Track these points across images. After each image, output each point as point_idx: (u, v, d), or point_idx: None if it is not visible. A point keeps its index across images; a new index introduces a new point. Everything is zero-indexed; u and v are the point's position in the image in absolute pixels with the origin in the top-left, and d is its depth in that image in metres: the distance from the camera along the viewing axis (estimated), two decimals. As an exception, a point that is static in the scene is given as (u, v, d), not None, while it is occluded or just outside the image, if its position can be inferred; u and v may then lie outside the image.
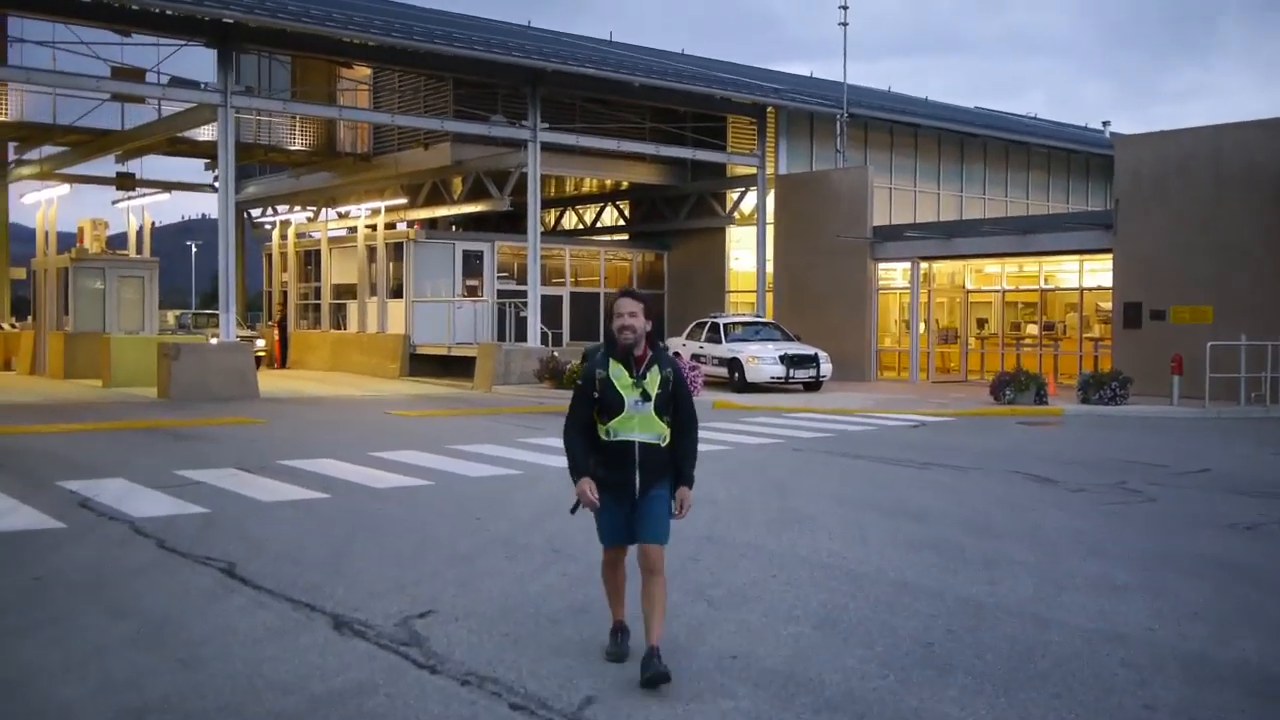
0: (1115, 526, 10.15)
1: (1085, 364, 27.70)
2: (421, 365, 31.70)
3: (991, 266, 31.25)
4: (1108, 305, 27.97)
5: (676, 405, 5.89)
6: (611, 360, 5.79)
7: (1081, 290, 28.84)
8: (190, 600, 7.34)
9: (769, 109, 32.65)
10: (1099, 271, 27.88)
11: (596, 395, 5.78)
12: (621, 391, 5.74)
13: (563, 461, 13.94)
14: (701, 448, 17.70)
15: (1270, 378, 21.98)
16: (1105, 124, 48.57)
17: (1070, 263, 28.76)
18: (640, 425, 5.77)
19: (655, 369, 5.80)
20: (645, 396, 5.74)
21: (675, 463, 5.93)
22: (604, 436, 5.81)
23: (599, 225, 40.19)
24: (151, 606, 7.19)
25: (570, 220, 41.45)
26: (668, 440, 5.86)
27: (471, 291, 32.84)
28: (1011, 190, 38.25)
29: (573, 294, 34.92)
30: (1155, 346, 24.01)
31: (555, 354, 27.77)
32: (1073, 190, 40.07)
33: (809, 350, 26.36)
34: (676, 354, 27.11)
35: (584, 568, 8.23)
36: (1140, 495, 11.92)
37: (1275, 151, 23.13)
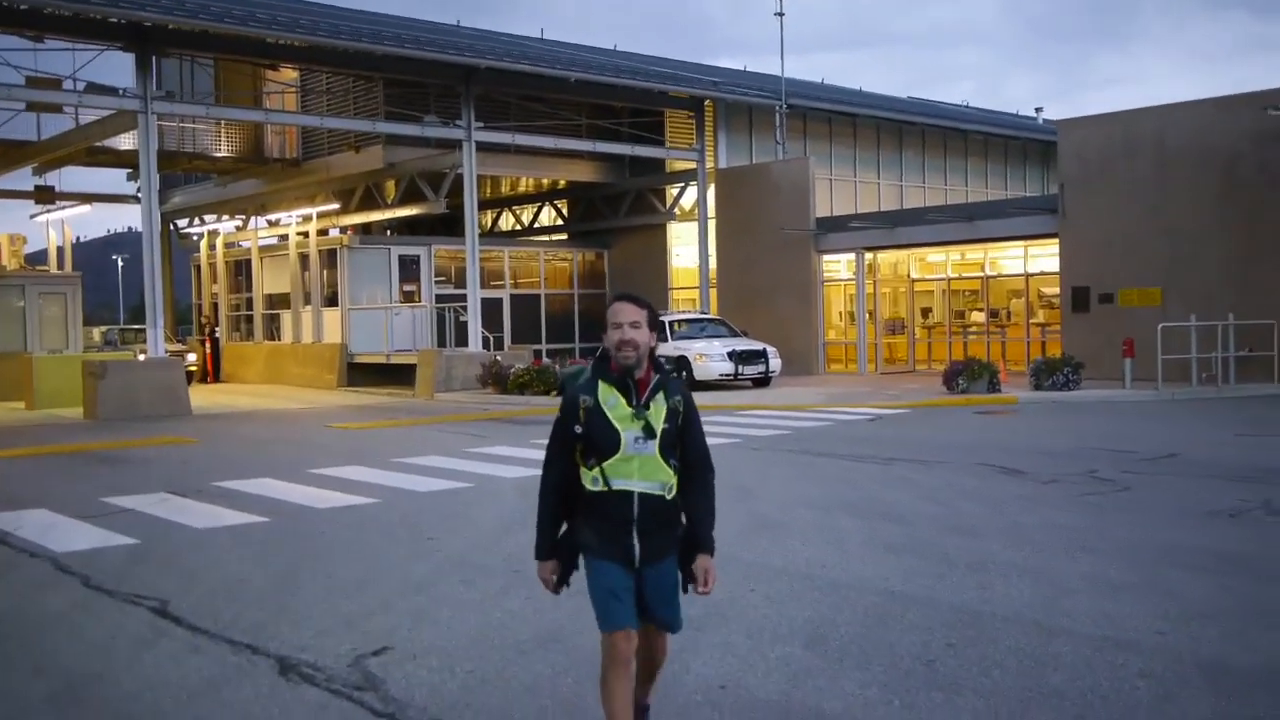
0: (1096, 519, 9.74)
1: (1033, 350, 27.55)
2: (360, 375, 30.89)
3: (935, 255, 31.04)
4: (1051, 290, 27.85)
5: (686, 445, 4.40)
6: (602, 384, 4.32)
7: (1027, 276, 28.69)
8: (118, 648, 6.65)
9: (707, 102, 32.20)
10: (1043, 257, 27.74)
11: (580, 431, 4.28)
12: (616, 425, 4.25)
13: (517, 471, 13.56)
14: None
15: (1221, 358, 21.88)
16: (1038, 110, 48.76)
17: (1014, 249, 28.61)
18: (641, 470, 4.28)
19: (661, 396, 4.33)
20: (648, 432, 4.25)
21: (688, 521, 4.47)
22: (590, 485, 4.31)
23: (537, 225, 39.53)
24: (74, 659, 6.49)
25: (508, 221, 40.74)
26: (674, 490, 4.38)
27: (409, 297, 32.07)
28: (951, 178, 38.14)
29: (513, 296, 34.25)
30: (1104, 330, 23.86)
31: (498, 358, 27.11)
32: (1010, 176, 40.07)
33: (757, 346, 25.93)
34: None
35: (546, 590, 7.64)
36: (1114, 484, 11.55)
37: (1225, 131, 23.04)
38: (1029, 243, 27.66)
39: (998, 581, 7.61)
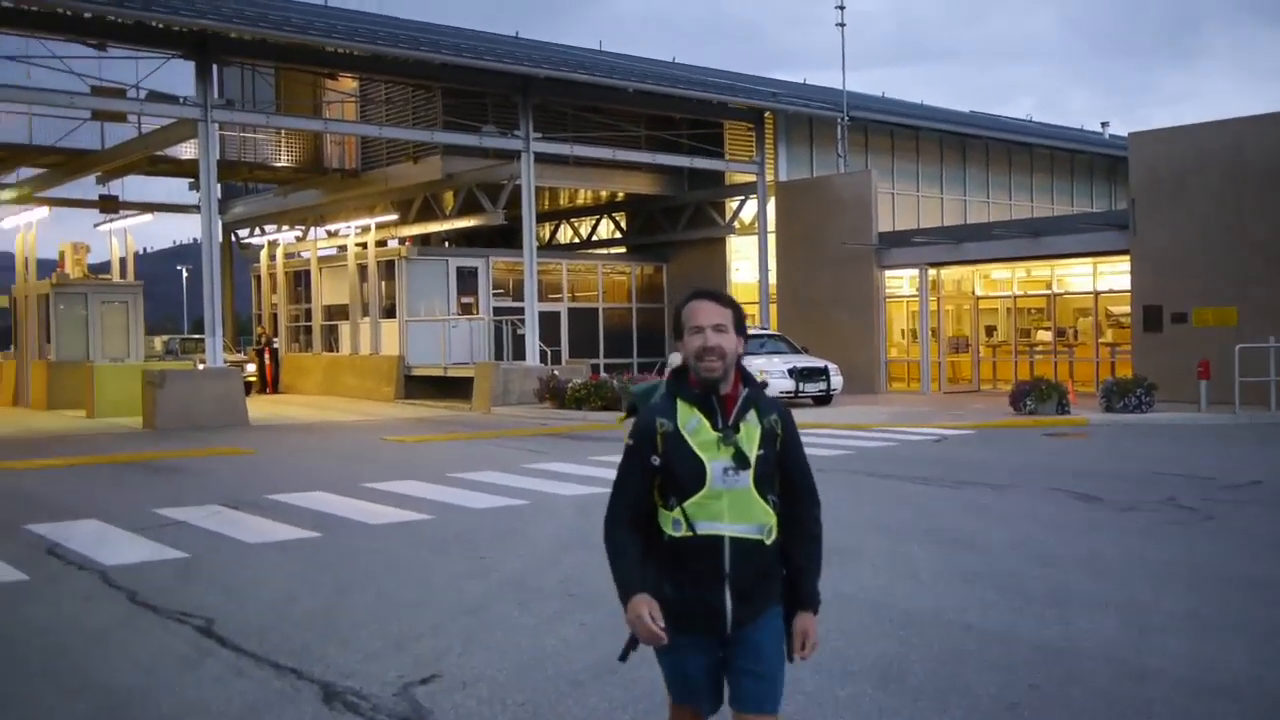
0: (1181, 550, 9.24)
1: (1102, 371, 26.84)
2: (417, 387, 30.79)
3: (1000, 272, 30.41)
4: (1120, 309, 27.12)
5: (788, 475, 3.53)
6: (681, 403, 3.46)
7: (1095, 294, 27.98)
8: (160, 668, 6.41)
9: (767, 114, 31.83)
10: (1111, 274, 27.04)
11: (658, 463, 3.43)
12: (701, 454, 3.39)
13: (575, 489, 13.26)
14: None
15: (1301, 381, 21.11)
16: (1104, 125, 47.84)
17: (1081, 266, 27.93)
18: (732, 510, 3.42)
19: (753, 415, 3.45)
20: (740, 461, 3.38)
21: (788, 571, 3.61)
22: (670, 530, 3.44)
23: (595, 238, 39.32)
24: (115, 678, 6.25)
25: (566, 234, 40.59)
26: (774, 533, 3.50)
27: (466, 309, 31.96)
28: (1015, 193, 37.45)
29: (571, 310, 34.05)
30: (1178, 351, 23.14)
31: (555, 372, 26.88)
32: (1076, 192, 39.29)
33: (818, 363, 25.47)
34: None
35: (605, 615, 7.31)
36: (1197, 513, 11.01)
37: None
38: (1098, 259, 26.96)
39: (1081, 616, 7.17)
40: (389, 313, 32.09)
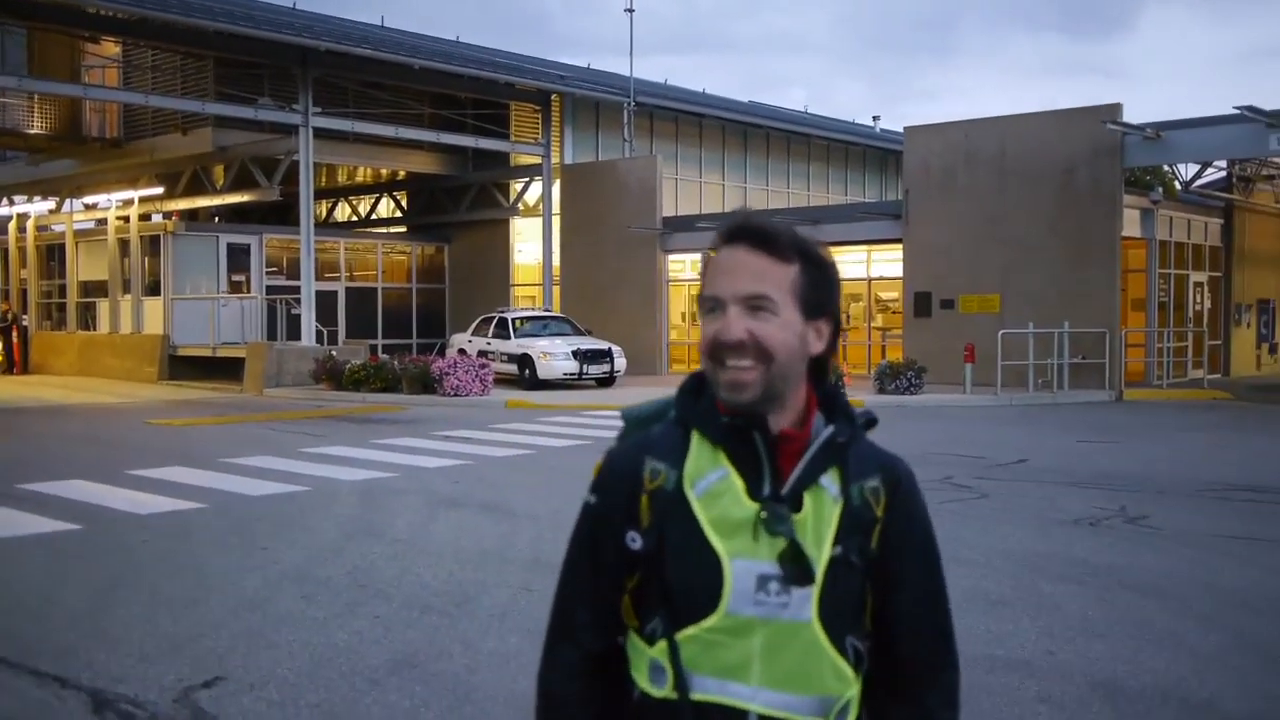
0: (961, 528, 9.56)
1: (874, 354, 27.83)
2: (183, 368, 29.28)
3: (778, 258, 31.07)
4: (890, 295, 28.17)
5: (896, 608, 1.87)
6: (697, 441, 1.85)
7: (869, 281, 28.99)
8: (-101, 680, 5.78)
9: (554, 97, 31.62)
10: (884, 262, 28.05)
11: (638, 545, 1.85)
12: (718, 542, 1.78)
13: (358, 474, 12.82)
14: (501, 451, 16.52)
15: (1056, 364, 22.38)
16: (876, 118, 49.67)
17: (856, 253, 28.87)
18: (769, 662, 1.78)
19: (833, 480, 1.82)
20: (796, 567, 1.76)
21: None
22: (647, 685, 1.83)
23: (375, 217, 38.30)
24: None
25: (344, 212, 39.39)
26: (854, 712, 1.84)
27: (237, 288, 30.59)
28: (793, 181, 38.42)
29: (349, 289, 33.02)
30: (946, 335, 24.19)
31: (333, 353, 26.04)
32: (850, 181, 40.60)
33: (602, 345, 25.51)
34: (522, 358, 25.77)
35: (399, 607, 7.05)
36: (972, 491, 11.46)
37: (1057, 142, 23.58)
38: (872, 248, 27.92)
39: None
40: (153, 290, 30.41)
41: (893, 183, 39.11)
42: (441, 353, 27.78)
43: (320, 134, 27.20)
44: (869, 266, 28.84)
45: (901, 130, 27.35)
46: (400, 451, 14.64)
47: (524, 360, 25.01)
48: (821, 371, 1.87)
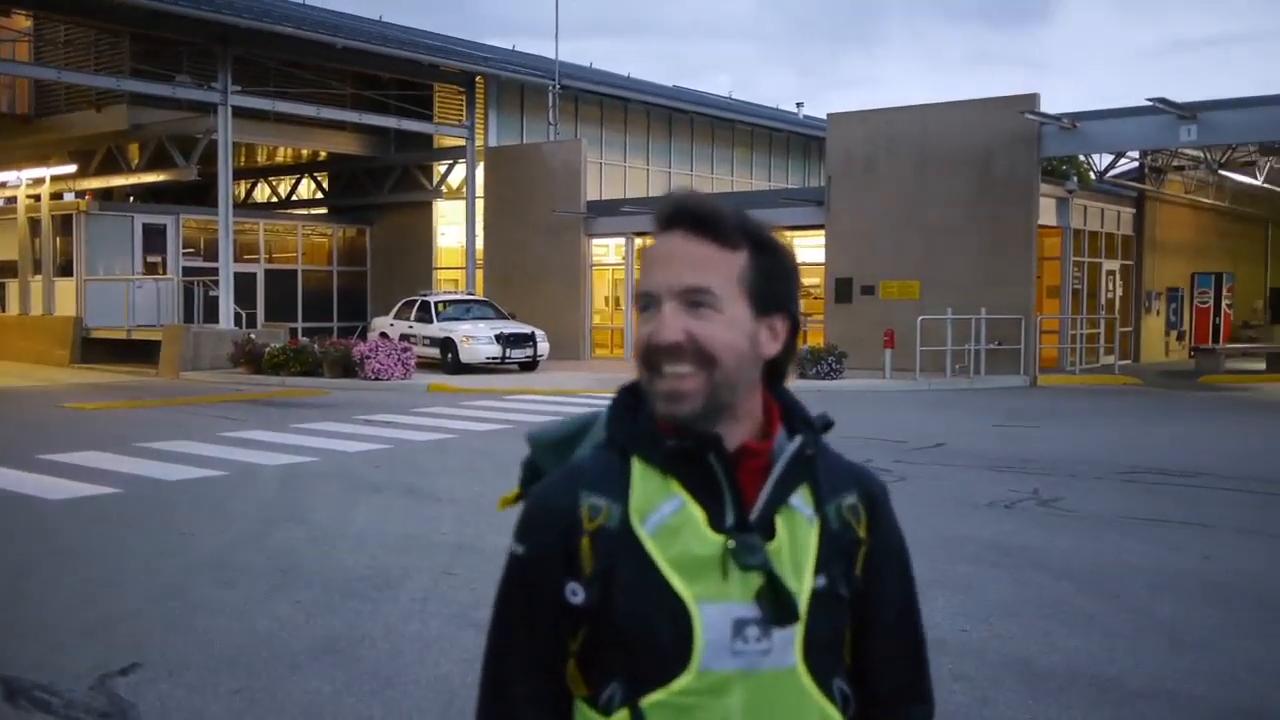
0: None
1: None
2: (96, 351, 28.67)
3: (702, 243, 31.19)
4: (811, 281, 28.44)
5: (875, 635, 1.65)
6: (639, 468, 1.56)
7: (791, 267, 29.20)
8: None
9: (478, 79, 31.40)
10: (807, 248, 28.27)
11: (579, 599, 1.53)
12: (681, 587, 1.50)
13: (278, 458, 12.66)
14: (424, 436, 16.42)
15: (974, 350, 22.77)
16: (799, 105, 50.01)
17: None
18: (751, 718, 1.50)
19: (805, 499, 1.57)
20: (777, 605, 1.50)
21: None
22: None
23: (295, 198, 37.78)
24: None
25: (263, 193, 38.80)
26: None
27: (153, 269, 30.02)
28: (718, 167, 38.57)
29: (268, 271, 32.55)
30: (866, 321, 24.49)
31: (252, 336, 25.69)
32: (774, 168, 40.87)
33: (525, 329, 25.45)
34: (405, 341, 25.59)
35: (320, 592, 7.01)
36: (891, 474, 11.62)
37: (976, 131, 23.94)
38: (795, 233, 28.10)
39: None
40: (65, 270, 29.73)
41: (816, 169, 39.43)
42: (363, 336, 27.54)
43: (240, 113, 26.75)
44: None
45: (825, 117, 27.57)
46: (321, 436, 14.51)
47: (446, 344, 24.87)
48: (777, 376, 1.61)
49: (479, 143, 31.49)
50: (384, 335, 26.01)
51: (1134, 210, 28.45)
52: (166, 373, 25.20)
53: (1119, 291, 28.02)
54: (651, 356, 1.51)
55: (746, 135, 39.75)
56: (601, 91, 34.43)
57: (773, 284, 1.55)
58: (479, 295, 29.43)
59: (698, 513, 1.52)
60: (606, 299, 31.94)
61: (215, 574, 7.49)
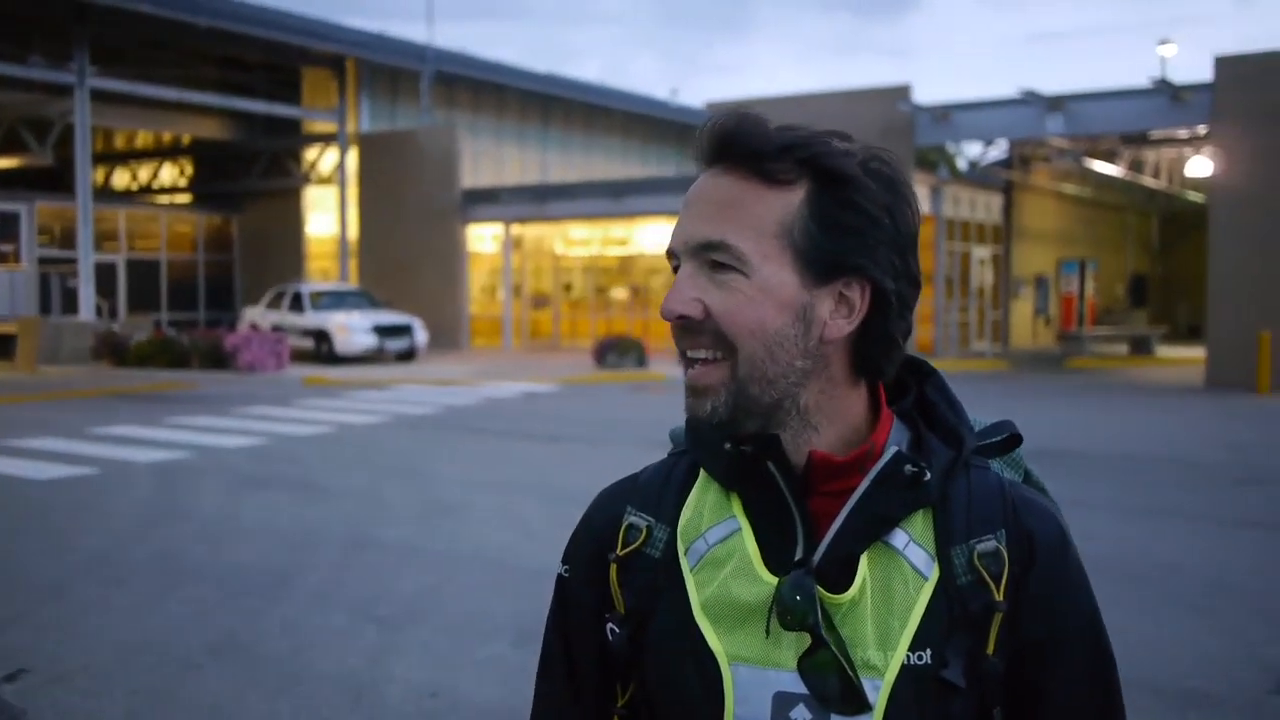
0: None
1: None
2: (-54, 344, 27.35)
3: (579, 230, 31.18)
4: (691, 269, 28.56)
5: None
6: (704, 483, 1.23)
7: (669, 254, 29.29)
8: None
9: (349, 62, 30.76)
10: (684, 236, 28.38)
11: (616, 635, 1.23)
12: (715, 645, 1.14)
13: (151, 454, 12.21)
14: (303, 429, 16.05)
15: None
16: (674, 92, 50.19)
17: (657, 226, 29.17)
18: None
19: (918, 535, 1.14)
20: (830, 677, 1.09)
21: None
22: None
23: (158, 185, 36.56)
24: None
25: (124, 179, 37.46)
26: None
27: (5, 258, 28.72)
28: (594, 154, 38.50)
29: (130, 261, 31.45)
30: (743, 309, 24.67)
31: (114, 328, 24.80)
32: (647, 155, 40.96)
33: (402, 319, 25.05)
34: (265, 330, 24.88)
35: (213, 590, 6.78)
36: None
37: (851, 121, 24.18)
38: (673, 219, 28.13)
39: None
40: (-89, 261, 28.31)
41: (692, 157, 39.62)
42: (232, 327, 26.80)
43: (98, 95, 25.81)
44: (669, 239, 29.14)
45: (701, 106, 27.70)
46: (196, 431, 14.05)
47: (321, 335, 24.36)
48: (871, 369, 1.18)
49: (350, 128, 30.88)
50: (255, 326, 25.35)
51: (1003, 199, 29.24)
52: (24, 367, 24.15)
53: (989, 278, 28.79)
54: (673, 336, 1.17)
55: (622, 122, 39.78)
56: (476, 77, 34.08)
57: (840, 235, 1.13)
58: (353, 285, 28.89)
59: (751, 544, 1.15)
60: (484, 288, 31.66)
61: (101, 574, 7.19)
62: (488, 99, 34.82)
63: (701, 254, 1.13)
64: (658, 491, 1.24)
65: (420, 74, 31.34)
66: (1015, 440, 1.23)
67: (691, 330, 1.13)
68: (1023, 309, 30.82)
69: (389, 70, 31.82)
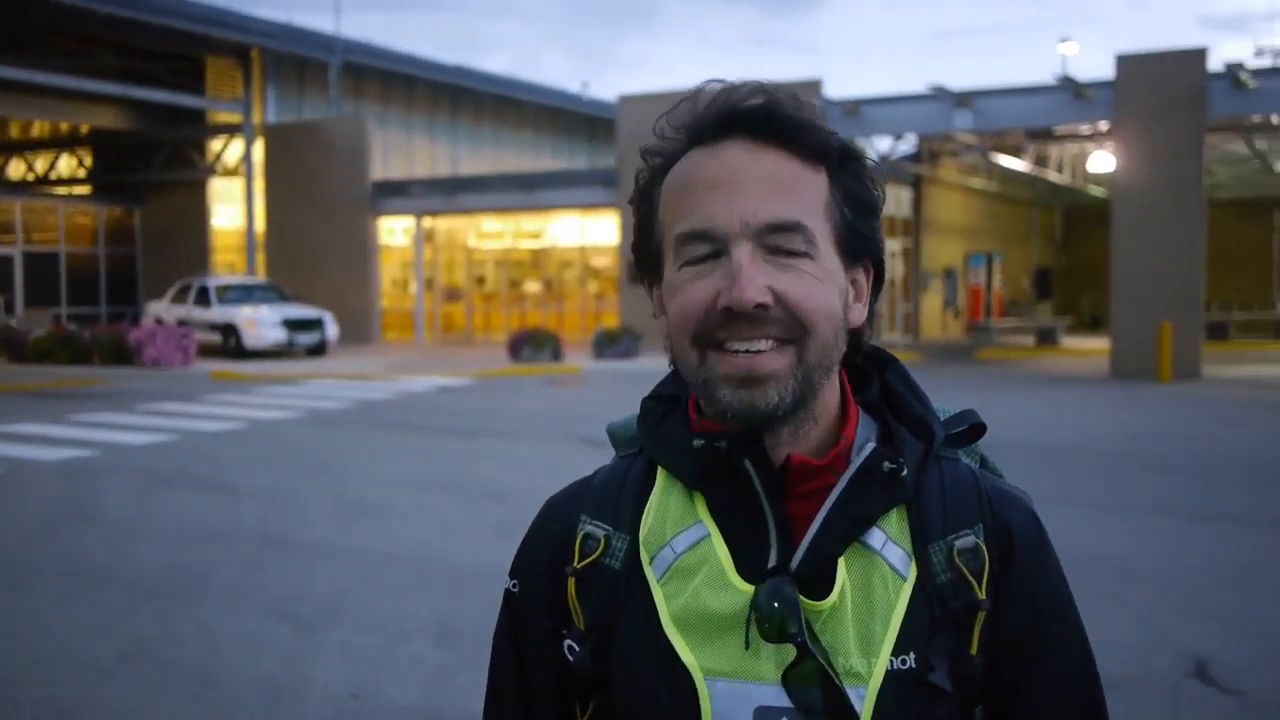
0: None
1: (589, 321, 28.15)
2: None
3: (491, 223, 30.96)
4: (603, 262, 28.55)
5: None
6: (665, 484, 1.14)
7: (582, 247, 29.26)
8: None
9: (254, 52, 30.15)
10: (596, 229, 28.36)
11: (575, 655, 1.14)
12: (688, 659, 1.07)
13: (55, 453, 11.83)
14: (213, 425, 15.72)
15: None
16: (585, 85, 50.07)
17: (569, 219, 29.08)
18: None
19: (894, 533, 1.10)
20: (815, 689, 1.04)
21: None
22: None
23: (55, 176, 35.53)
24: None
25: (18, 169, 36.35)
26: None
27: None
28: (505, 147, 38.24)
29: (26, 254, 30.49)
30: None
31: (12, 323, 24.10)
32: (560, 148, 40.81)
33: (313, 313, 24.65)
34: (180, 328, 24.32)
35: (121, 593, 6.60)
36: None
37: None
38: (586, 213, 28.18)
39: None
40: None
41: (603, 150, 39.54)
42: (135, 321, 26.16)
43: (-8, 84, 24.95)
44: (582, 233, 29.10)
45: (613, 99, 27.65)
46: (101, 428, 13.68)
47: (229, 329, 23.87)
48: (854, 353, 1.17)
49: (256, 119, 30.29)
50: (159, 321, 24.76)
51: (912, 193, 29.64)
52: (-85, 364, 23.34)
53: (899, 271, 29.15)
54: (711, 328, 1.06)
55: (532, 115, 39.59)
56: (385, 68, 33.64)
57: (865, 215, 1.13)
58: (262, 278, 28.35)
59: (722, 551, 1.08)
60: (395, 281, 31.31)
61: (1, 579, 6.94)
62: (397, 91, 34.40)
63: (766, 236, 1.06)
64: (614, 496, 1.16)
65: (328, 65, 30.84)
66: (979, 430, 1.22)
67: (759, 320, 1.05)
68: (932, 301, 31.29)
69: (296, 60, 31.26)
